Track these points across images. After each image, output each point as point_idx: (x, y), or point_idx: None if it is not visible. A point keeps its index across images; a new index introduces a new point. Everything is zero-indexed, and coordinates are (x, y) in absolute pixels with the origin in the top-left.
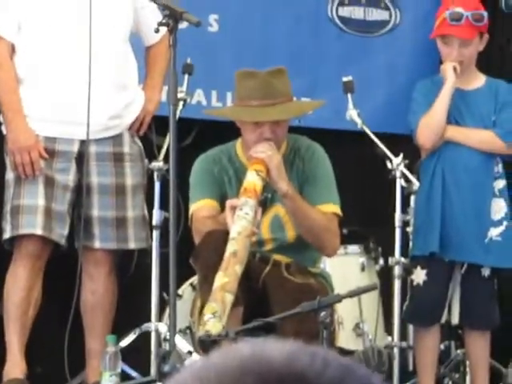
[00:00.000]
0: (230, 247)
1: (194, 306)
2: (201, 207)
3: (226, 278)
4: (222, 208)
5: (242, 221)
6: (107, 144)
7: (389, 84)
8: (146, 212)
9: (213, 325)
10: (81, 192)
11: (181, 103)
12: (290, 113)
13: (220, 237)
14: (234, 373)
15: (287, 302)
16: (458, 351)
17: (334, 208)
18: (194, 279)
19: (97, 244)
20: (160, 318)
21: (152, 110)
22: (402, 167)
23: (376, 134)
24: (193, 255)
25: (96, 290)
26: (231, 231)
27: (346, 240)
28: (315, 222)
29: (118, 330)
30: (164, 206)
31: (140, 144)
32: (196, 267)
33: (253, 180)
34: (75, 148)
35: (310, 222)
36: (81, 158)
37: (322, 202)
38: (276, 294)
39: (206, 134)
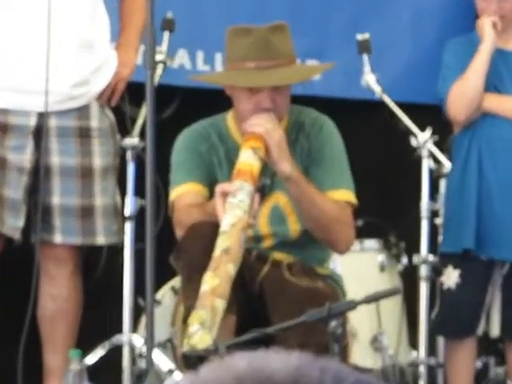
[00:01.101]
0: (221, 243)
1: (176, 315)
2: (184, 193)
3: (217, 279)
4: (211, 195)
5: (235, 210)
6: (71, 117)
7: (414, 43)
8: (118, 199)
9: (200, 338)
10: (39, 175)
11: (160, 67)
12: (293, 77)
13: (208, 230)
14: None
15: (290, 310)
16: (498, 369)
17: (346, 195)
18: (176, 281)
19: (58, 238)
20: (134, 329)
21: (126, 76)
22: (429, 145)
23: (398, 104)
24: (174, 252)
25: (57, 295)
26: (222, 223)
27: (361, 233)
28: (324, 211)
29: (84, 344)
30: (139, 191)
31: (111, 117)
32: (178, 267)
33: (248, 160)
34: (32, 122)
35: (319, 212)
36: (39, 134)
37: (332, 187)
38: (276, 300)
39: (190, 104)
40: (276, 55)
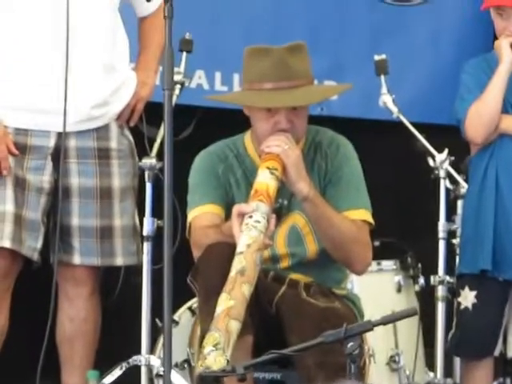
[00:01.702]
0: (237, 263)
1: (194, 335)
2: (202, 215)
3: (232, 301)
4: (228, 216)
5: (251, 231)
6: (90, 137)
7: (431, 64)
8: (136, 220)
9: (215, 359)
10: (57, 196)
11: (177, 87)
12: (310, 98)
13: (225, 251)
14: None
15: (307, 331)
16: None
17: (364, 215)
18: (194, 302)
19: (76, 259)
20: (152, 350)
21: (145, 96)
22: (447, 165)
23: (415, 125)
24: (191, 272)
25: (75, 316)
26: (238, 244)
27: (378, 254)
28: (342, 231)
29: (101, 365)
30: (157, 212)
31: (130, 138)
32: (195, 287)
33: (265, 180)
34: (51, 142)
35: (336, 232)
36: (58, 155)
37: (349, 207)
38: (293, 321)
39: (207, 125)
40: (294, 76)
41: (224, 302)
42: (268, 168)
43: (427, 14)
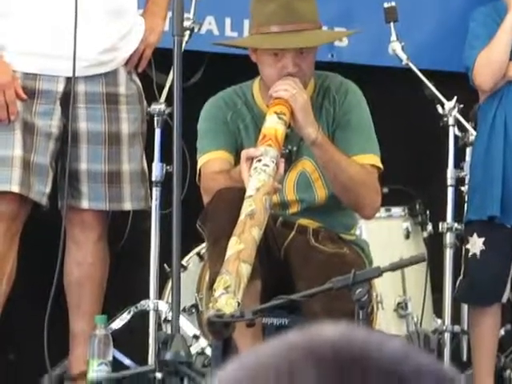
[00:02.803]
0: (247, 207)
1: (202, 280)
2: (211, 160)
3: (242, 244)
4: (237, 162)
5: (260, 175)
6: (99, 82)
7: (440, 12)
8: (145, 165)
9: (225, 302)
10: (66, 140)
11: (187, 33)
12: (317, 39)
13: (234, 195)
14: (279, 351)
15: (315, 276)
16: None
17: (373, 159)
18: (202, 247)
19: (85, 204)
20: (160, 295)
21: (154, 42)
22: (455, 113)
23: (424, 72)
24: (201, 217)
25: (83, 261)
26: (248, 188)
27: (387, 201)
28: (351, 175)
29: (109, 309)
30: (166, 158)
31: (139, 83)
32: (204, 231)
33: (273, 125)
34: (60, 87)
35: (345, 176)
36: (67, 100)
37: (358, 152)
38: (301, 266)
39: (217, 71)
40: (300, 19)
41: (234, 246)
42: (276, 113)
43: None
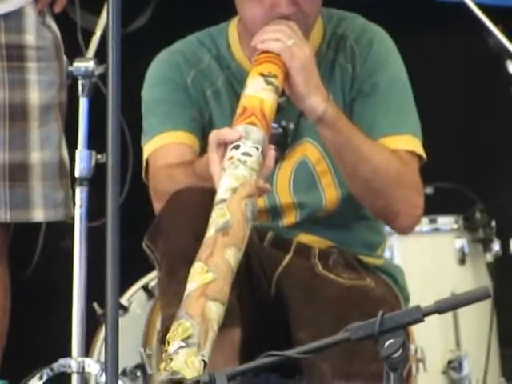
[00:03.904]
0: (218, 217)
1: (151, 328)
2: (164, 147)
3: (210, 273)
4: (204, 148)
5: (238, 168)
6: None
7: None
8: (64, 154)
9: (184, 360)
10: None
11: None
12: None
13: (198, 199)
14: None
15: (323, 321)
16: None
17: (411, 143)
18: (151, 278)
19: None
20: (88, 350)
21: None
22: None
23: (487, 10)
24: (149, 233)
25: None
26: (219, 188)
27: (431, 206)
28: (377, 167)
29: (13, 371)
30: (96, 143)
31: (56, 29)
32: (155, 254)
33: (258, 93)
34: None
35: (369, 168)
36: None
37: (388, 132)
38: (303, 306)
39: (172, 10)
40: None
41: (199, 276)
42: (262, 75)
43: None
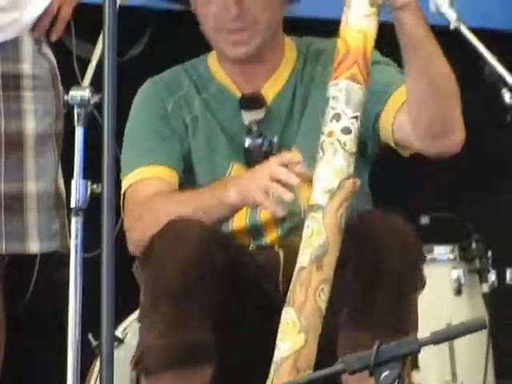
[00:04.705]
0: (314, 236)
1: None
2: (142, 181)
3: (303, 333)
4: (189, 183)
5: (337, 155)
6: None
7: None
8: (61, 185)
9: None
10: None
11: None
12: None
13: (193, 232)
14: None
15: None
16: None
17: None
18: None
19: None
20: (83, 383)
21: None
22: None
23: (482, 37)
24: (140, 257)
25: None
26: (315, 181)
27: (428, 236)
28: (447, 69)
29: None
30: (91, 172)
31: (52, 58)
32: (143, 279)
33: (362, 24)
34: None
35: (440, 68)
36: None
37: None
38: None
39: (168, 38)
40: None
41: (291, 335)
42: None
43: None
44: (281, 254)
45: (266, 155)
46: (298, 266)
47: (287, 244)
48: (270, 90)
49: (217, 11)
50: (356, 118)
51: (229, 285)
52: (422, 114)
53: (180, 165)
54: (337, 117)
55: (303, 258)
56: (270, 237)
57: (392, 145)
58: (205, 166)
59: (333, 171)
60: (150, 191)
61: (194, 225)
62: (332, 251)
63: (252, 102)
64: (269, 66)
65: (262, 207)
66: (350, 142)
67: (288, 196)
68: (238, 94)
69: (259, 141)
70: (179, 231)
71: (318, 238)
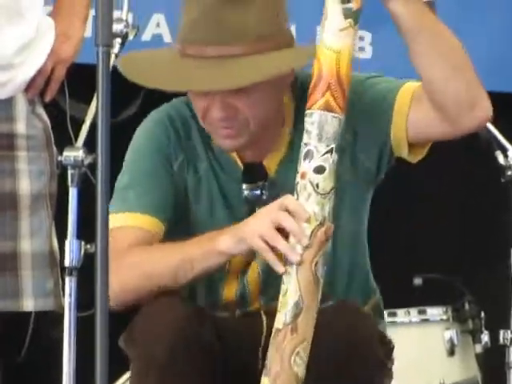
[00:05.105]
0: (288, 295)
1: None
2: (127, 229)
3: None
4: (176, 232)
5: (309, 200)
6: None
7: (496, 16)
8: (54, 244)
9: None
10: None
11: (117, 41)
12: (246, 76)
13: (174, 310)
14: None
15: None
16: None
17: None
18: None
19: None
20: None
21: (68, 56)
22: None
23: None
24: (124, 336)
25: None
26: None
27: (421, 298)
28: (455, 44)
29: None
30: (85, 232)
31: (46, 119)
32: (129, 355)
33: (335, 42)
34: None
35: (448, 44)
36: None
37: (399, 87)
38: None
39: (161, 99)
40: (234, 38)
41: None
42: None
43: None
44: (264, 319)
45: (258, 203)
46: (274, 327)
47: (272, 309)
48: (272, 162)
49: (206, 106)
50: (331, 151)
51: (216, 356)
52: (441, 90)
53: (168, 215)
54: (309, 155)
55: (279, 319)
56: (256, 303)
57: (405, 152)
58: (205, 229)
59: (306, 219)
60: (130, 240)
61: (176, 301)
62: (308, 307)
63: (254, 173)
64: (268, 141)
65: (261, 255)
66: (324, 181)
67: (293, 259)
68: (240, 165)
69: (249, 193)
70: (162, 309)
71: (293, 295)
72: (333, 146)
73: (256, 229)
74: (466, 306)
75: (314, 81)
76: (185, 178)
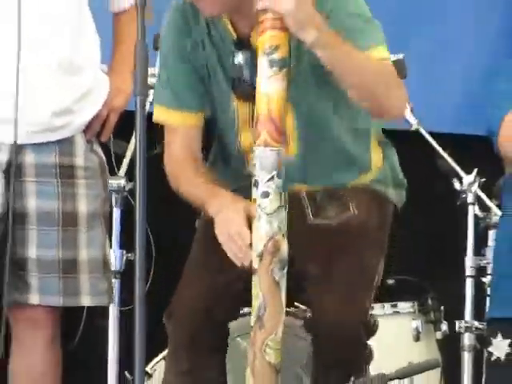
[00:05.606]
0: (255, 299)
1: None
2: (174, 131)
3: None
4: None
5: (260, 221)
6: (51, 152)
7: (456, 64)
8: (107, 252)
9: None
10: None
11: (151, 93)
12: None
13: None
14: None
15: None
16: None
17: (383, 52)
18: None
19: (34, 298)
20: None
21: (120, 106)
22: (476, 188)
23: (437, 138)
24: (166, 311)
25: (32, 369)
26: (254, 246)
27: (393, 295)
28: (368, 72)
29: None
30: (126, 244)
31: (101, 154)
32: (168, 330)
33: (265, 88)
34: (3, 156)
35: (363, 77)
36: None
37: (368, 45)
38: (303, 257)
39: None
40: None
41: None
42: (264, 53)
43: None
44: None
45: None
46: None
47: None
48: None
49: None
50: (272, 178)
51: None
52: (359, 102)
53: (201, 104)
54: (256, 184)
55: (252, 319)
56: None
57: None
58: (217, 104)
59: (259, 237)
60: (180, 148)
61: (201, 282)
62: (271, 306)
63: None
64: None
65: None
66: (270, 203)
67: (239, 263)
68: (234, 35)
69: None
70: (185, 313)
71: (258, 300)
72: (274, 172)
73: (222, 233)
74: (429, 301)
75: (255, 121)
76: (200, 61)
